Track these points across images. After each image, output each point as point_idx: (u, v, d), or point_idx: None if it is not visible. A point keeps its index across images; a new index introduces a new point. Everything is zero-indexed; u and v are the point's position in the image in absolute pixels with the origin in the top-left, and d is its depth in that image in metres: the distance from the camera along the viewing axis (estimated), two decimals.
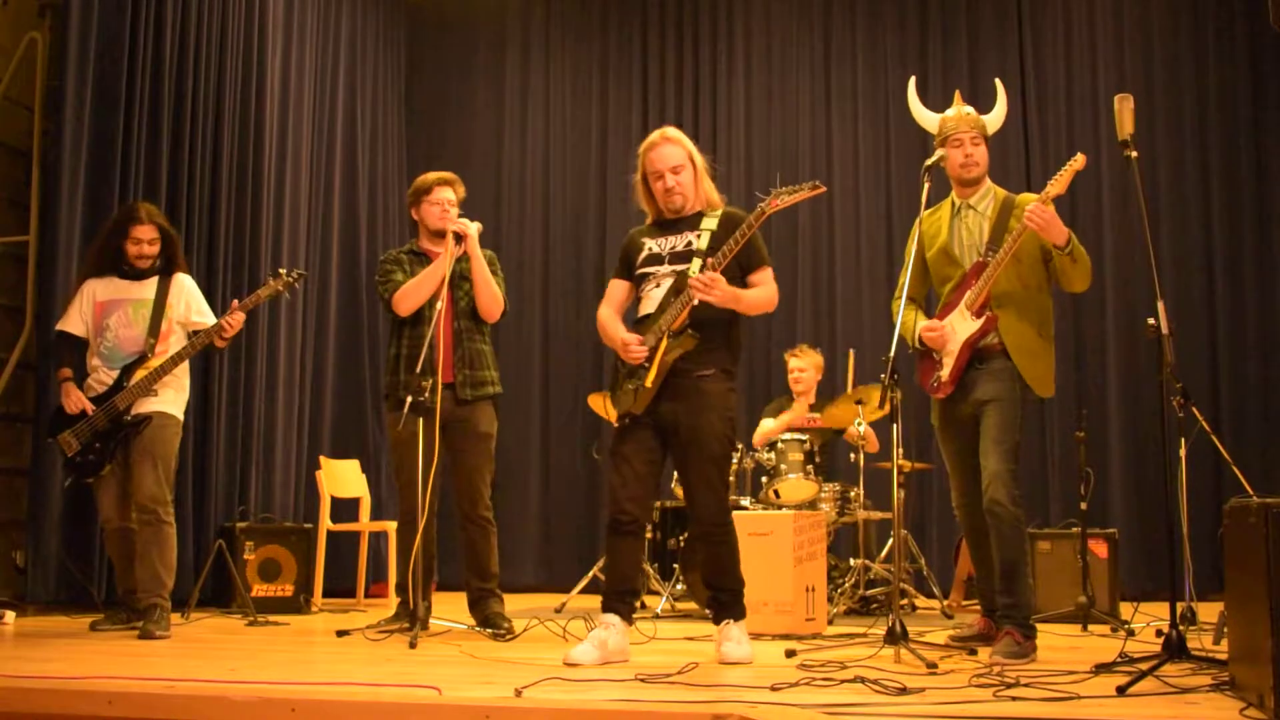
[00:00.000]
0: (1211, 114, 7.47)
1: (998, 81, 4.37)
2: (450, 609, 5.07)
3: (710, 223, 3.82)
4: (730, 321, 3.84)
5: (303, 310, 7.01)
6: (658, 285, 3.82)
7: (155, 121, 5.84)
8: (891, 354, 3.64)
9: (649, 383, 3.70)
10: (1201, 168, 7.47)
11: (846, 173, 7.98)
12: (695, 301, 3.66)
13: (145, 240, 4.71)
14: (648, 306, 3.84)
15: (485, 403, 4.66)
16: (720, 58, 8.28)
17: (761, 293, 3.82)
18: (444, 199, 4.68)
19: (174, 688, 2.88)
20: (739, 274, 3.80)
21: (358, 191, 7.70)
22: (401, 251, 4.75)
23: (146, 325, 4.65)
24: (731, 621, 3.77)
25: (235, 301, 4.72)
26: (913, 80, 4.47)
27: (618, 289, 3.99)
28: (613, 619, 3.69)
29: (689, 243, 3.81)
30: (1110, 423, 7.24)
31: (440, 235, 4.63)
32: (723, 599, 3.82)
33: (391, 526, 5.89)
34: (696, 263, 3.73)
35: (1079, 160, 3.81)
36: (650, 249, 3.89)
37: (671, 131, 3.93)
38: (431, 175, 4.77)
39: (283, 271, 4.81)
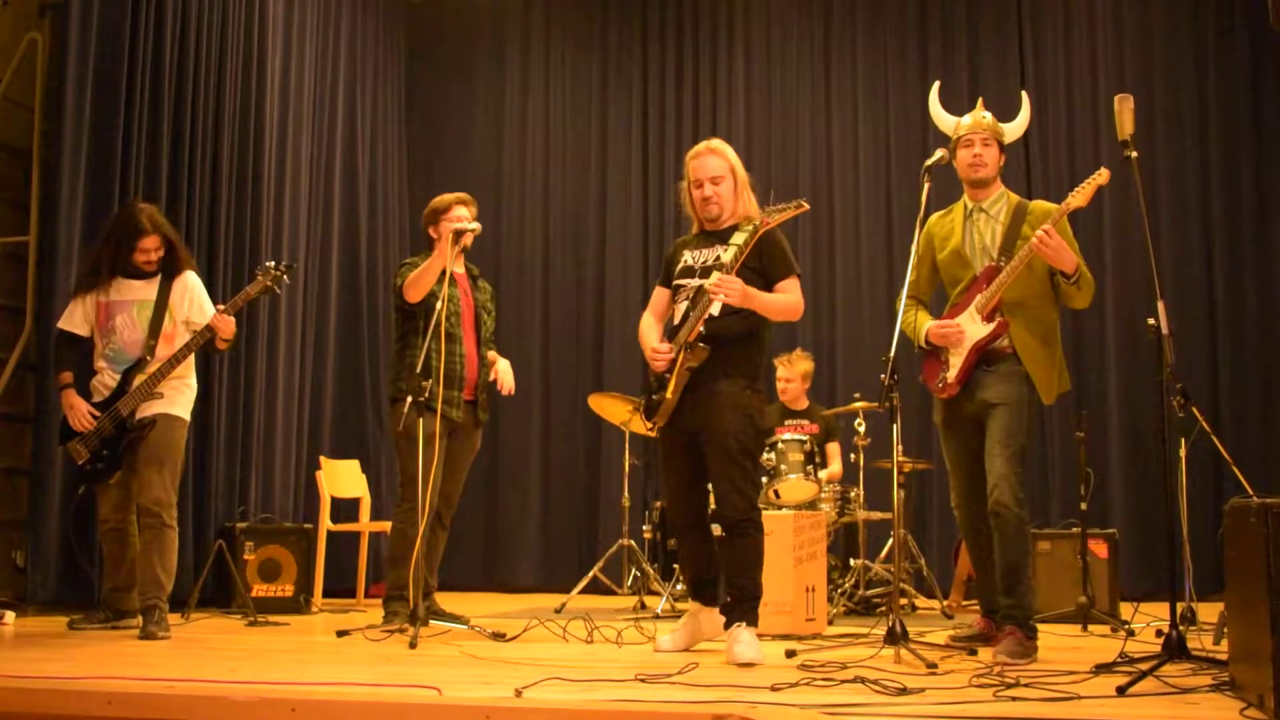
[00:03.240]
0: (1211, 114, 7.47)
1: (1024, 94, 4.37)
2: (450, 609, 5.05)
3: (740, 237, 3.91)
4: (750, 335, 3.91)
5: (303, 310, 7.00)
6: (687, 299, 3.94)
7: (155, 121, 5.83)
8: (892, 353, 3.64)
9: (669, 393, 3.84)
10: (1201, 168, 7.46)
11: (846, 173, 7.98)
12: (713, 304, 3.77)
13: (152, 249, 4.67)
14: (676, 319, 3.97)
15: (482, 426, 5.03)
16: (720, 58, 8.27)
17: (782, 298, 3.90)
18: (462, 217, 4.88)
19: (174, 688, 2.88)
20: (764, 286, 3.88)
21: (358, 191, 7.70)
22: (420, 260, 4.84)
23: (148, 327, 4.63)
24: (743, 624, 3.78)
25: (220, 306, 4.68)
26: (936, 85, 4.48)
27: (659, 297, 4.13)
28: (693, 606, 4.03)
29: (718, 256, 3.91)
30: (1110, 423, 7.23)
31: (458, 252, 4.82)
32: (739, 597, 3.83)
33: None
34: (715, 275, 3.81)
35: (1103, 175, 3.79)
36: (687, 260, 4.02)
37: (716, 143, 4.05)
38: (450, 196, 4.99)
39: (270, 265, 4.74)
